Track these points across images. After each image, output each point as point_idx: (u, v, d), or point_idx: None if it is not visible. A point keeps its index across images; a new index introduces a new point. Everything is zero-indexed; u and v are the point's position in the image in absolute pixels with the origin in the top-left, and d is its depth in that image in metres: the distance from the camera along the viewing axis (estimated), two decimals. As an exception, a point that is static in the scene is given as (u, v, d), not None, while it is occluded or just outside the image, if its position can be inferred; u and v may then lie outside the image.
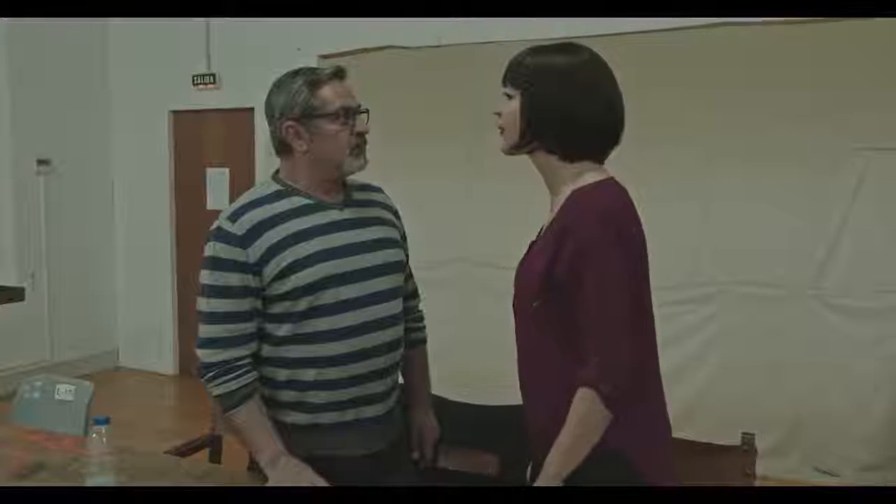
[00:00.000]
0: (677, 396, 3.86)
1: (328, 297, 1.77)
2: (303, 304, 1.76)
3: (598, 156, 1.64)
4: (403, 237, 2.01)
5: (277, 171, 1.88)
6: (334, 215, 1.83)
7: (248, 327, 1.77)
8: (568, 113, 1.58)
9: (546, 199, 1.70)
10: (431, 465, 2.07)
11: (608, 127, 1.62)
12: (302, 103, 1.77)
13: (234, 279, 1.75)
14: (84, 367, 5.59)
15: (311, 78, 1.79)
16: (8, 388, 4.52)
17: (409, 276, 2.06)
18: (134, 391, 5.72)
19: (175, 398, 5.75)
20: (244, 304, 1.76)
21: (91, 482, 1.71)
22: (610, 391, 1.49)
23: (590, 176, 1.61)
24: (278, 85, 1.83)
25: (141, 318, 6.14)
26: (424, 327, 2.12)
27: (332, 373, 1.78)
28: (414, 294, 2.09)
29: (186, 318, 5.92)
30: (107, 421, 1.73)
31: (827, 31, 3.72)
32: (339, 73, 1.82)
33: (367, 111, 1.85)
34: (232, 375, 1.75)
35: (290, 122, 1.79)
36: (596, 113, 1.59)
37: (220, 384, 1.75)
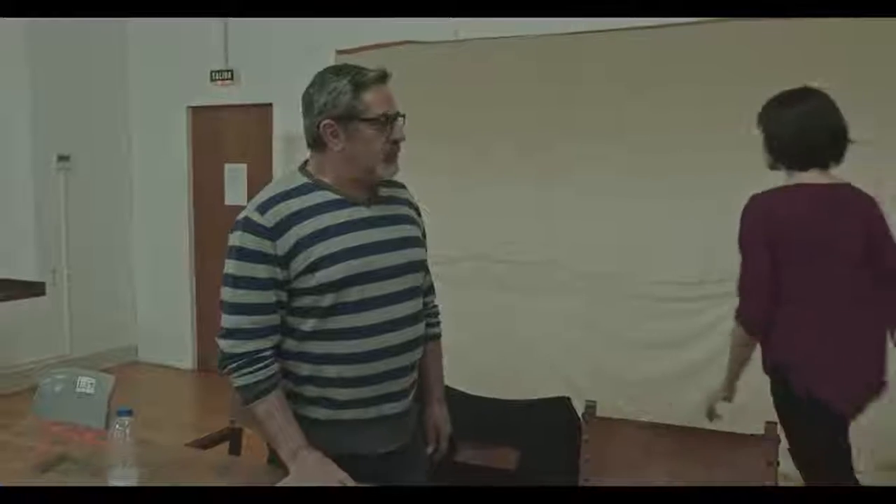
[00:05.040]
0: (696, 392, 3.84)
1: (353, 294, 1.76)
2: (328, 300, 1.75)
3: (823, 166, 2.45)
4: (424, 234, 2.00)
5: (305, 163, 1.86)
6: (362, 212, 1.82)
7: (272, 319, 1.77)
8: (781, 143, 2.47)
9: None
10: (447, 458, 2.08)
11: (812, 148, 2.43)
12: (345, 104, 1.75)
13: (260, 270, 1.74)
14: (103, 362, 5.63)
15: (357, 80, 1.76)
16: (29, 382, 4.58)
17: (426, 272, 2.05)
18: (153, 386, 5.76)
19: (194, 393, 5.79)
20: (269, 296, 1.75)
21: (113, 474, 1.73)
22: None
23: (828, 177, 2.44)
24: (321, 81, 1.79)
25: (160, 313, 6.18)
26: (439, 322, 2.12)
27: (354, 370, 1.78)
28: (430, 290, 2.08)
29: (205, 313, 5.96)
30: (130, 413, 1.74)
31: (847, 28, 3.68)
32: (383, 77, 1.80)
33: (403, 116, 1.82)
34: (254, 367, 1.75)
35: (328, 121, 1.76)
36: (797, 140, 2.42)
37: (242, 375, 1.75)
